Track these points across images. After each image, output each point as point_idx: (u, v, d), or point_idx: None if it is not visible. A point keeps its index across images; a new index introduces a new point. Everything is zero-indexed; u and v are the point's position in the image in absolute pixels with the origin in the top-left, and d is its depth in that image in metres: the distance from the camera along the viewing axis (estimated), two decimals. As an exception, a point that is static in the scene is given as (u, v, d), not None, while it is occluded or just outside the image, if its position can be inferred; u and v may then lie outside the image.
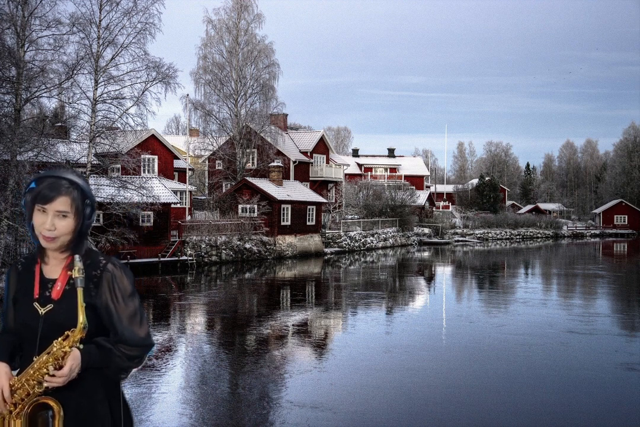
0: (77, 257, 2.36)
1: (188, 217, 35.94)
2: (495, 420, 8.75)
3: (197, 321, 17.28)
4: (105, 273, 2.45)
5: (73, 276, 2.33)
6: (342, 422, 8.54)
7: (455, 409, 9.18)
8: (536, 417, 8.88)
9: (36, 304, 2.41)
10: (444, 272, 32.94)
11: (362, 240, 44.46)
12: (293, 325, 16.26)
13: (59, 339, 2.32)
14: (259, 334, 14.89)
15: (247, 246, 33.88)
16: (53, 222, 2.36)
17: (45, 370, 2.30)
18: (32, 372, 2.33)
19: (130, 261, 27.23)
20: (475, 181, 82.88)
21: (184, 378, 10.95)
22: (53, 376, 2.29)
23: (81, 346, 2.32)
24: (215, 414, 8.83)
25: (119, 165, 29.24)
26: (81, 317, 2.30)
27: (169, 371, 11.32)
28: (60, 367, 2.29)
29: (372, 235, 46.08)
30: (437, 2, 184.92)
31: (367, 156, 74.28)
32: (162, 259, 29.20)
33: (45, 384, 2.31)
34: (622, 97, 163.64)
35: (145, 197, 26.32)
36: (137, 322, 2.45)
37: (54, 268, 2.48)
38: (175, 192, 33.80)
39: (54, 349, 2.31)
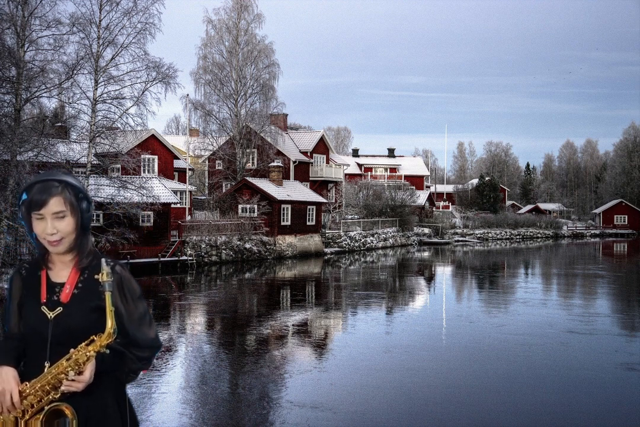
0: (104, 261, 2.36)
1: (188, 217, 35.94)
2: (495, 420, 8.75)
3: (197, 321, 17.28)
4: (114, 275, 2.43)
5: (101, 280, 2.31)
6: (342, 422, 8.54)
7: (455, 409, 9.17)
8: (536, 417, 8.88)
9: (44, 308, 2.38)
10: (444, 272, 32.94)
11: (362, 240, 44.45)
12: (293, 325, 16.26)
13: (83, 344, 2.30)
14: (259, 334, 14.89)
15: (247, 246, 33.88)
16: (53, 225, 2.35)
17: (63, 375, 2.27)
18: (49, 377, 2.29)
19: (130, 261, 27.22)
20: (475, 181, 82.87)
21: (184, 378, 10.95)
22: (73, 380, 2.26)
23: (107, 351, 2.30)
24: (215, 414, 8.83)
25: (119, 165, 29.25)
26: (110, 322, 2.28)
27: (169, 371, 11.32)
28: (81, 373, 2.28)
29: (372, 235, 46.07)
30: (437, 2, 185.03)
31: (367, 156, 74.27)
32: (162, 259, 29.20)
33: (62, 389, 2.27)
34: (622, 97, 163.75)
35: (145, 197, 26.32)
36: (147, 323, 2.47)
37: (60, 272, 2.47)
38: (175, 192, 33.80)
39: (78, 354, 2.28)
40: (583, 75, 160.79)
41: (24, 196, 2.38)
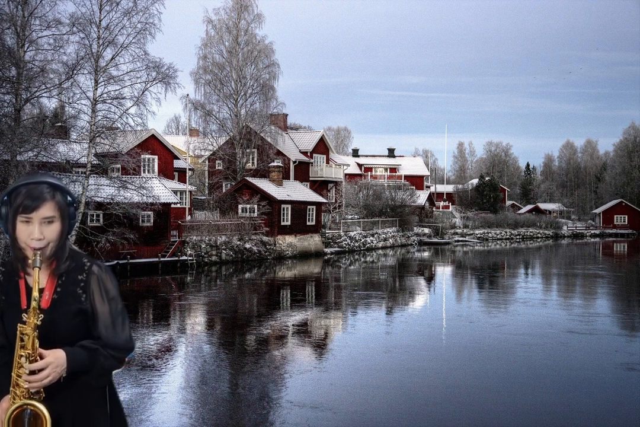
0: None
1: (188, 217, 35.93)
2: (495, 420, 8.75)
3: (197, 321, 17.27)
4: (92, 276, 2.40)
5: (30, 260, 2.27)
6: (342, 422, 8.53)
7: (455, 409, 9.17)
8: (536, 417, 8.87)
9: (25, 315, 2.27)
10: (444, 272, 32.93)
11: (362, 240, 44.44)
12: (293, 325, 16.26)
13: (19, 325, 2.21)
14: (259, 334, 14.88)
15: (247, 246, 33.87)
16: (40, 230, 2.27)
17: (22, 369, 2.17)
18: (15, 376, 2.21)
19: (130, 260, 27.23)
20: (475, 181, 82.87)
21: (184, 378, 10.95)
22: (31, 374, 2.16)
23: (39, 322, 2.19)
24: (215, 414, 8.82)
25: (119, 165, 29.25)
26: (35, 292, 2.19)
27: (169, 371, 11.32)
28: (36, 360, 2.18)
29: (372, 235, 46.07)
30: (437, 2, 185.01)
31: (367, 156, 74.27)
32: (162, 259, 29.19)
33: (25, 386, 2.17)
34: (622, 97, 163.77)
35: (145, 197, 26.33)
36: (120, 324, 2.41)
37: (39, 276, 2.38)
38: (175, 192, 33.79)
39: (20, 336, 2.20)
40: (583, 75, 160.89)
41: (5, 198, 2.29)
